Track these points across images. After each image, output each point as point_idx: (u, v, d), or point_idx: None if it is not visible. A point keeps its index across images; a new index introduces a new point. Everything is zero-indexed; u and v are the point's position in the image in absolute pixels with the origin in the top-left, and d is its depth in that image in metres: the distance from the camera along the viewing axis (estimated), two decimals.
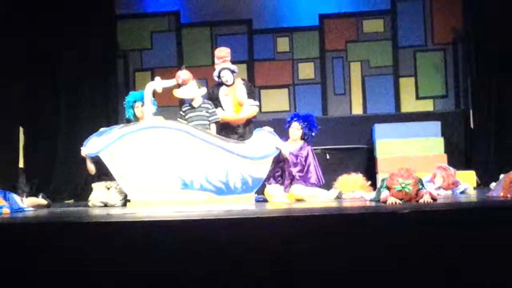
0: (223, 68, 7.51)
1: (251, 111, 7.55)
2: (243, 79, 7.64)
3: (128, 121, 7.62)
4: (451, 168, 7.33)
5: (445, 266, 4.38)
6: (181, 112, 7.45)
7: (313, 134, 7.22)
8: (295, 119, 7.16)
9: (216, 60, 7.62)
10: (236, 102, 7.46)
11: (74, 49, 9.19)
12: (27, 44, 8.99)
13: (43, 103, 9.06)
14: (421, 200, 5.41)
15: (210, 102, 7.44)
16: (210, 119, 7.31)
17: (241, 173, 6.81)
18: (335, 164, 8.94)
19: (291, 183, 6.98)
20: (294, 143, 7.16)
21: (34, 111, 9.04)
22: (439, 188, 7.04)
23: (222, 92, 7.56)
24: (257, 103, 7.75)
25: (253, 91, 7.74)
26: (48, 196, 7.45)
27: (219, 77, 7.57)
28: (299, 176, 7.00)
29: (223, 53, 7.60)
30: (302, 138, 7.18)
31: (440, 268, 4.37)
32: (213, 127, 7.31)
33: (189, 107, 7.38)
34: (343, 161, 9.06)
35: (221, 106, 7.52)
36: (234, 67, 7.58)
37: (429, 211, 4.79)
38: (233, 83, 7.54)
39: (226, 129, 7.50)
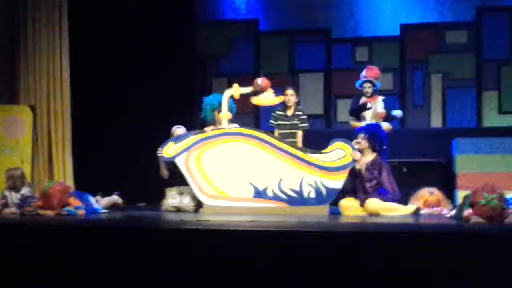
0: (367, 81, 7.76)
1: (386, 126, 7.65)
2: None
3: (203, 121, 7.70)
4: None
5: None
6: (273, 114, 7.66)
7: (383, 145, 7.05)
8: (362, 131, 6.97)
9: (363, 74, 7.84)
10: (376, 114, 7.67)
11: (152, 55, 9.29)
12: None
13: (119, 107, 9.20)
14: (506, 220, 5.18)
15: (302, 109, 7.75)
16: (299, 125, 7.56)
17: (316, 183, 6.72)
18: (411, 178, 8.68)
19: (365, 197, 6.79)
20: (367, 156, 6.94)
21: (110, 114, 9.19)
22: None
23: (362, 102, 7.81)
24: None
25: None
26: (122, 197, 7.53)
27: (361, 87, 7.83)
28: (373, 190, 6.80)
29: (372, 72, 7.83)
30: (374, 150, 6.96)
31: None
32: (300, 133, 7.55)
33: (282, 114, 7.60)
34: (419, 175, 8.78)
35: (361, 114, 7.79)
36: (377, 82, 7.83)
37: None
38: (373, 96, 7.75)
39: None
